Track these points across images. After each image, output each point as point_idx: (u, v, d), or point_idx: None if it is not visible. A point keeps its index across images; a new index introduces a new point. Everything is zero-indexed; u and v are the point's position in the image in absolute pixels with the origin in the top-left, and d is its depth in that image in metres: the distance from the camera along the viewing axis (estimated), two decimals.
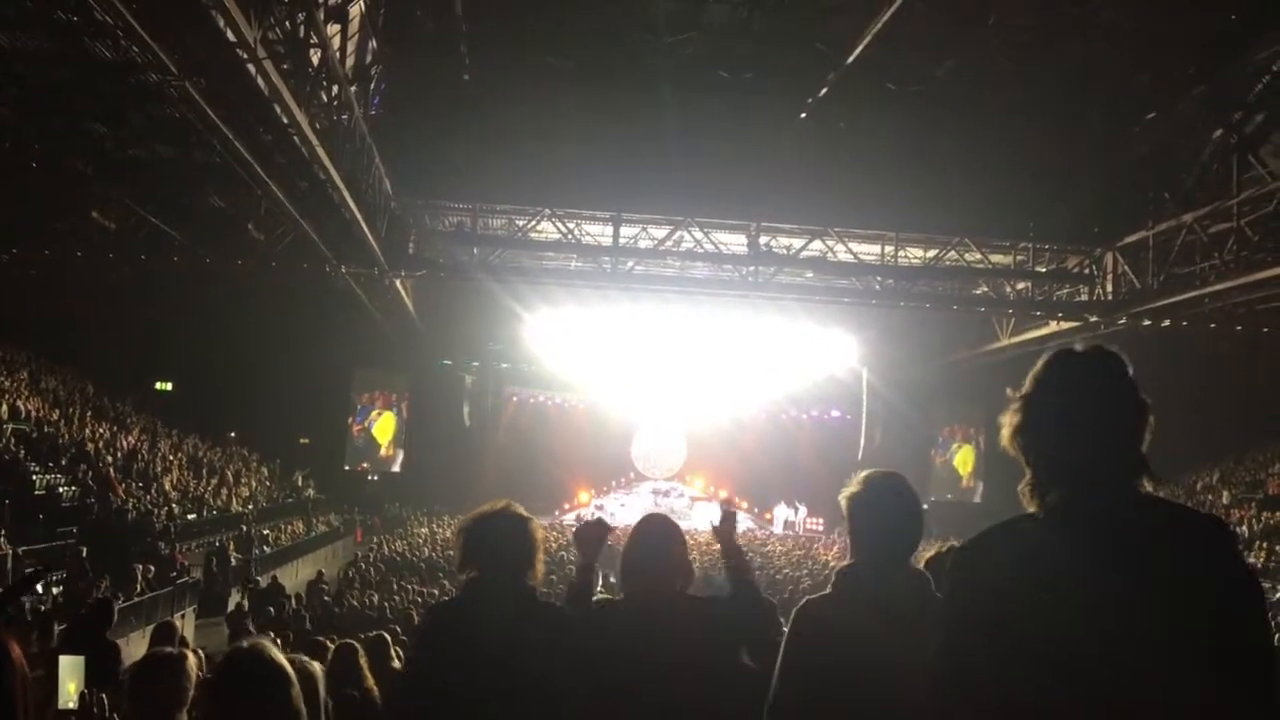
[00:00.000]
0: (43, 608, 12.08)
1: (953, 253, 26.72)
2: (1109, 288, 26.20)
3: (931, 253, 27.08)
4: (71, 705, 2.40)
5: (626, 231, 26.52)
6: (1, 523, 16.10)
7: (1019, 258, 27.37)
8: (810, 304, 29.58)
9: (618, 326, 33.29)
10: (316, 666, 2.79)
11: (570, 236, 26.23)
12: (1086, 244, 26.53)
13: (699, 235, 26.08)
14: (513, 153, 23.78)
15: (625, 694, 2.90)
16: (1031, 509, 1.95)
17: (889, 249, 26.87)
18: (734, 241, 26.75)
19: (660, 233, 26.38)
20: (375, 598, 16.62)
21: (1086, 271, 26.86)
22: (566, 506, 38.09)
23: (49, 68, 16.65)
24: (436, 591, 16.94)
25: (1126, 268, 25.39)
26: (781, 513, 37.97)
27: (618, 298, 29.94)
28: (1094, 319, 26.52)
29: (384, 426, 38.64)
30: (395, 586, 18.56)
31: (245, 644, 2.44)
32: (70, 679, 2.42)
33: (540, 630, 3.08)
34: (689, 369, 35.99)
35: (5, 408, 21.52)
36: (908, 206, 24.64)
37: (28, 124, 19.10)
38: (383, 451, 38.72)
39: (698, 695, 2.86)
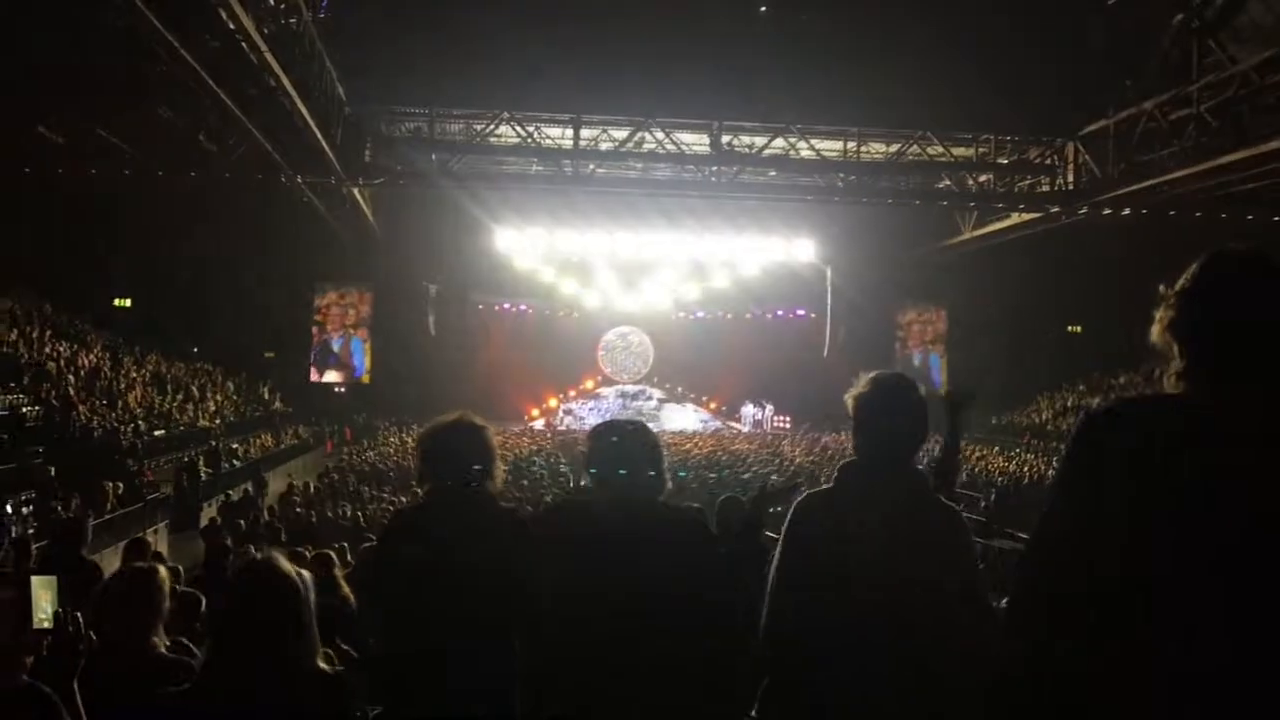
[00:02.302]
0: (13, 530, 12.06)
1: (915, 147, 26.66)
2: (1070, 178, 26.29)
3: (894, 147, 27.00)
4: (46, 625, 2.43)
5: (587, 134, 26.24)
6: None
7: (981, 150, 27.38)
8: (773, 203, 29.53)
9: (581, 231, 33.12)
10: (307, 576, 2.85)
11: (530, 140, 25.89)
12: (1048, 135, 26.51)
13: (660, 136, 25.83)
14: (469, 54, 23.23)
15: (591, 599, 2.88)
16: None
17: (851, 145, 26.76)
18: (696, 141, 26.54)
19: (621, 134, 26.11)
20: (349, 508, 16.73)
21: (1048, 162, 26.91)
22: (535, 413, 38.30)
23: None
24: (408, 500, 17.06)
25: (1087, 157, 25.45)
26: (749, 412, 38.35)
27: (580, 202, 29.75)
28: (1055, 209, 26.67)
29: (352, 338, 38.48)
30: (368, 496, 18.69)
31: (258, 556, 2.54)
32: (43, 598, 2.45)
33: (500, 535, 3.12)
34: (653, 272, 35.98)
35: None
36: (870, 101, 24.47)
37: None
38: (349, 361, 38.60)
39: (668, 601, 2.86)
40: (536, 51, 22.66)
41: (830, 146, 26.90)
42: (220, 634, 2.49)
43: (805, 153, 26.57)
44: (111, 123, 23.36)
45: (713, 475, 22.49)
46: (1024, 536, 3.17)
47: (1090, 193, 25.40)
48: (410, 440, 28.64)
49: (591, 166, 26.35)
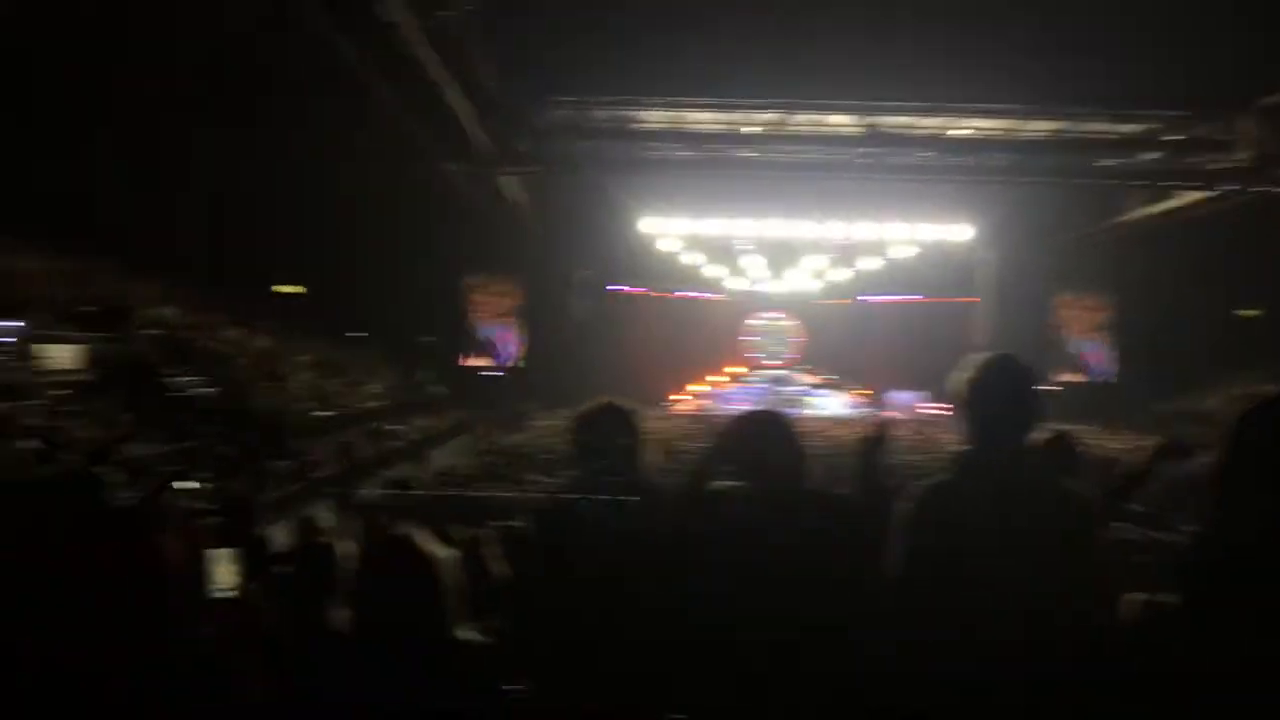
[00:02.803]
0: (189, 505, 12.73)
1: (1078, 124, 25.56)
2: (1245, 154, 24.77)
3: (1056, 125, 25.94)
4: (227, 594, 2.54)
5: (735, 117, 26.04)
6: (147, 423, 16.96)
7: (1149, 126, 26.04)
8: (931, 185, 28.81)
9: (729, 216, 32.99)
10: (453, 552, 2.91)
11: (678, 125, 25.89)
12: (1221, 108, 25.03)
13: (811, 118, 25.46)
14: (620, 42, 23.37)
15: (738, 578, 2.93)
16: None
17: (1009, 123, 25.85)
18: (847, 123, 26.06)
19: (771, 117, 25.83)
20: (500, 490, 17.07)
21: (1222, 138, 25.42)
22: (681, 396, 38.36)
23: None
24: (554, 482, 17.27)
25: (1265, 132, 23.93)
26: (901, 397, 37.56)
27: (728, 186, 29.61)
28: (1231, 187, 25.21)
29: (503, 325, 39.29)
30: (519, 479, 19.03)
31: (400, 533, 2.59)
32: (224, 570, 2.56)
33: (650, 514, 3.14)
34: (802, 255, 35.55)
35: (143, 314, 22.48)
36: (1029, 77, 23.57)
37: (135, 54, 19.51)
38: (499, 347, 39.42)
39: (812, 583, 2.85)
40: (684, 36, 22.66)
41: (987, 125, 26.03)
42: (363, 609, 2.55)
43: (961, 132, 25.80)
44: (276, 120, 24.39)
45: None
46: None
47: (1265, 169, 23.90)
48: (559, 425, 29.08)
49: (739, 151, 26.18)
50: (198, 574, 2.71)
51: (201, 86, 21.75)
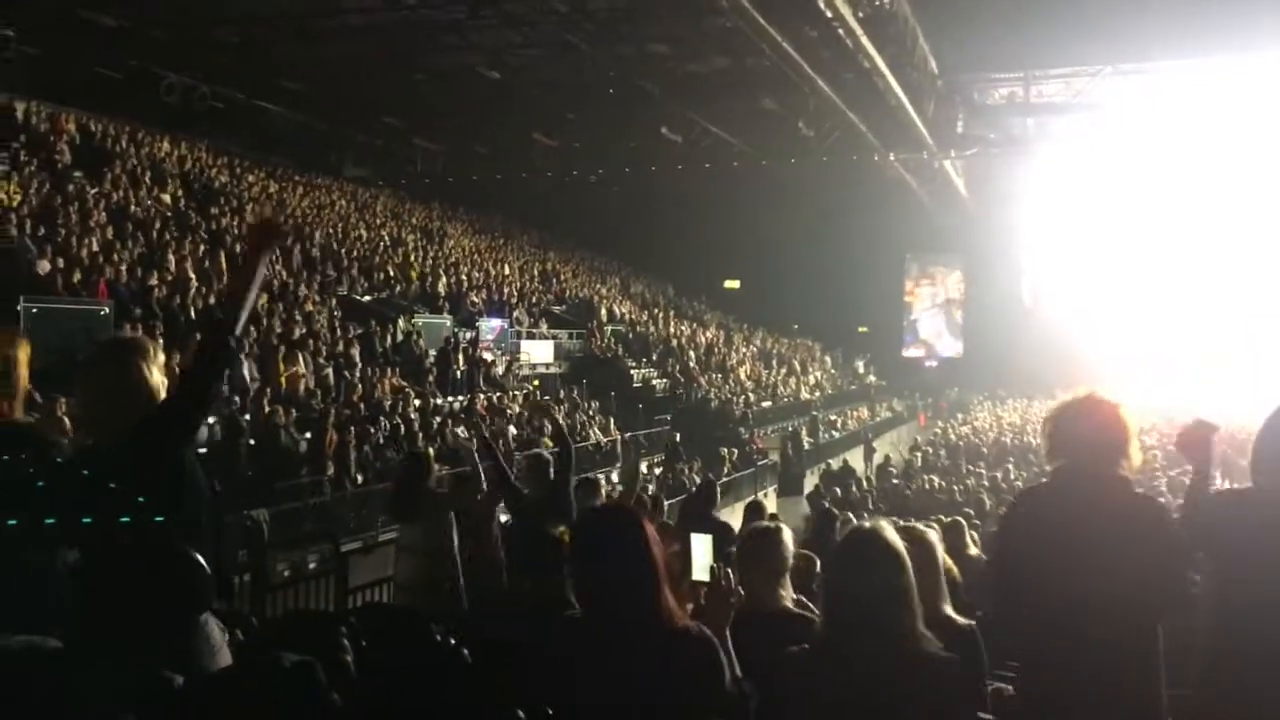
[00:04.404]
0: (649, 488, 13.69)
1: None
2: None
3: None
4: (704, 578, 2.73)
5: (1209, 77, 23.22)
6: (610, 410, 18.47)
7: None
8: None
9: (1194, 181, 29.75)
10: (933, 535, 2.97)
11: (1131, 93, 23.78)
12: None
13: None
14: (1067, 9, 21.72)
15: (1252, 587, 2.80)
16: None
17: None
18: None
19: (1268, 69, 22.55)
20: (942, 481, 16.73)
21: None
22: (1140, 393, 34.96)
23: None
24: (1001, 476, 16.63)
25: None
26: None
27: (1198, 154, 26.76)
28: None
29: (944, 313, 38.39)
30: (964, 470, 18.53)
31: (867, 524, 2.65)
32: (702, 554, 2.76)
33: (1136, 518, 2.94)
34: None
35: (604, 311, 24.46)
36: None
37: (601, 52, 21.17)
38: (937, 336, 38.56)
39: None
40: None
41: None
42: (832, 601, 2.61)
43: None
44: (720, 119, 25.47)
45: None
46: None
47: None
48: (1004, 415, 27.93)
49: (1217, 114, 23.49)
50: (683, 556, 2.94)
51: (651, 92, 23.19)
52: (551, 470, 5.85)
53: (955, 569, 6.47)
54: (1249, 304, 34.38)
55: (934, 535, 3.42)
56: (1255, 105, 23.49)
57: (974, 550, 7.11)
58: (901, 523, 3.86)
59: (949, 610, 3.31)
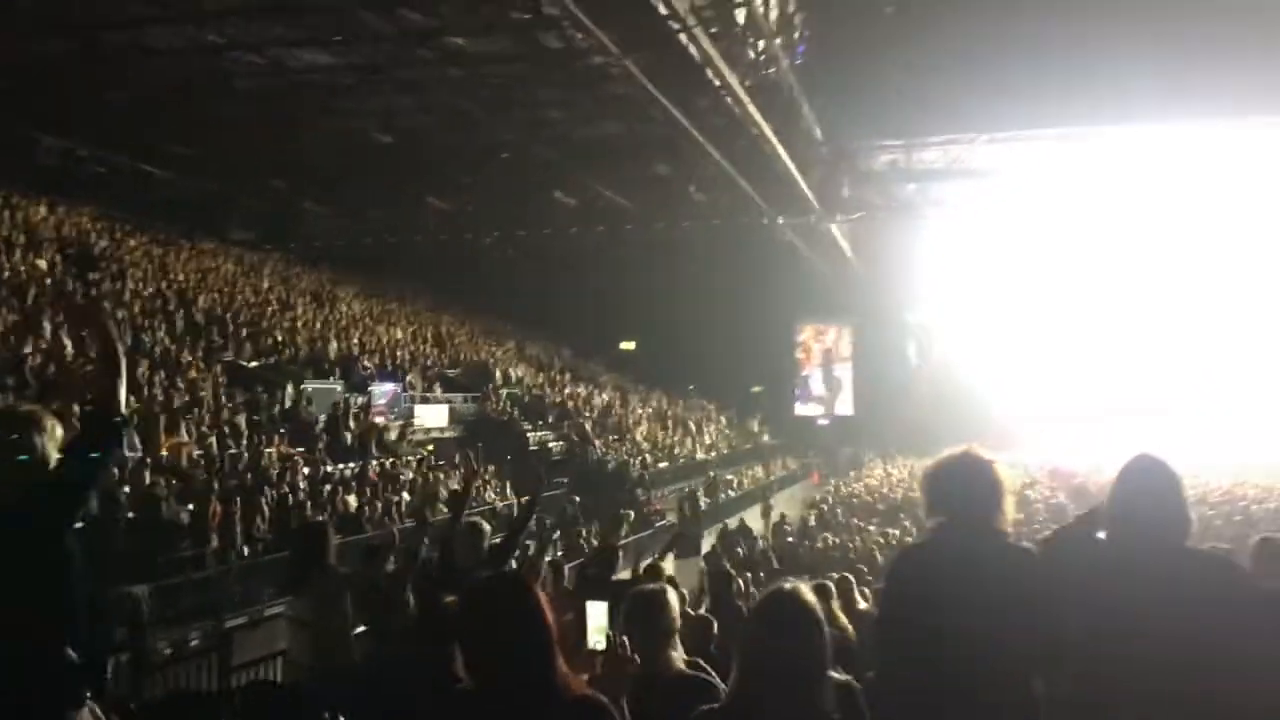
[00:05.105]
0: (548, 556, 13.55)
1: None
2: None
3: None
4: (599, 646, 2.70)
5: (1080, 145, 24.37)
6: (506, 474, 18.28)
7: None
8: None
9: (1074, 248, 31.17)
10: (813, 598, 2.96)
11: (1011, 159, 24.86)
12: None
13: (1172, 133, 23.44)
14: (944, 79, 22.64)
15: (1119, 641, 2.79)
16: None
17: None
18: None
19: (1122, 140, 23.91)
20: (836, 539, 16.95)
21: None
22: (1030, 447, 36.18)
23: (507, 65, 18.54)
24: (896, 532, 16.94)
25: None
26: None
27: (1067, 219, 28.04)
28: None
29: (833, 373, 39.10)
30: (856, 527, 18.81)
31: (786, 586, 2.66)
32: (597, 622, 2.73)
33: (1012, 571, 3.02)
34: (1168, 286, 32.44)
35: (499, 374, 24.30)
36: None
37: (494, 117, 21.32)
38: (830, 394, 39.21)
39: (1206, 660, 2.66)
40: (1018, 64, 21.22)
41: None
42: (747, 660, 2.60)
43: None
44: (613, 183, 25.81)
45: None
46: None
47: None
48: (895, 472, 28.48)
49: (1090, 182, 24.70)
50: (575, 625, 2.90)
51: (544, 157, 23.41)
52: (485, 541, 5.71)
53: (849, 626, 6.56)
54: (1137, 354, 35.97)
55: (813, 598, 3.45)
56: (1125, 169, 24.81)
57: (864, 605, 7.22)
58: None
59: (832, 671, 3.34)
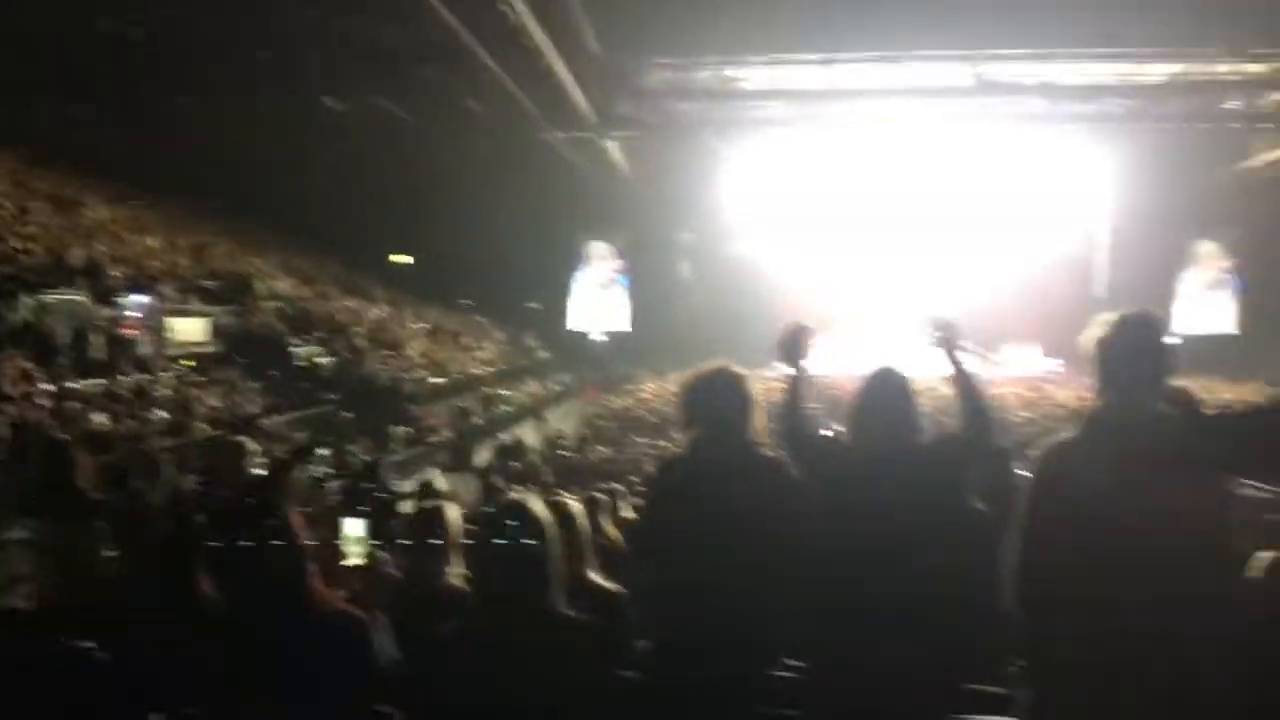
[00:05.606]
0: (314, 471, 13.24)
1: (1200, 65, 24.46)
2: None
3: (1177, 67, 24.87)
4: (357, 561, 2.70)
5: (839, 73, 25.54)
6: (271, 392, 17.66)
7: (1275, 65, 24.77)
8: (1044, 135, 27.95)
9: (834, 173, 32.55)
10: (577, 506, 3.03)
11: (780, 83, 25.57)
12: None
13: (918, 69, 24.87)
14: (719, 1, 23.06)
15: (849, 537, 3.01)
16: None
17: (1127, 68, 24.86)
18: (957, 73, 25.38)
19: (875, 71, 25.30)
20: (609, 451, 17.35)
21: None
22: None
23: None
24: (664, 444, 17.47)
25: None
26: (1013, 354, 36.60)
27: (834, 143, 29.20)
28: None
29: (609, 289, 39.46)
30: (629, 441, 19.28)
31: (515, 498, 2.71)
32: (353, 539, 2.72)
33: (764, 480, 3.20)
34: (911, 211, 34.79)
35: (262, 286, 23.27)
36: (1146, 19, 22.56)
37: (258, 17, 20.11)
38: (606, 310, 39.63)
39: (924, 540, 2.91)
40: None
41: (1104, 70, 25.08)
42: (480, 572, 2.66)
43: (1075, 79, 24.94)
44: (386, 90, 24.86)
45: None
46: None
47: None
48: (668, 388, 29.24)
49: (846, 106, 25.76)
50: (330, 540, 2.87)
51: (311, 58, 22.30)
52: (248, 461, 5.46)
53: (617, 536, 6.74)
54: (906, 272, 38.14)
55: (577, 507, 3.54)
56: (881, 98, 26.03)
57: (629, 513, 7.45)
58: (553, 497, 3.94)
59: (596, 577, 3.44)
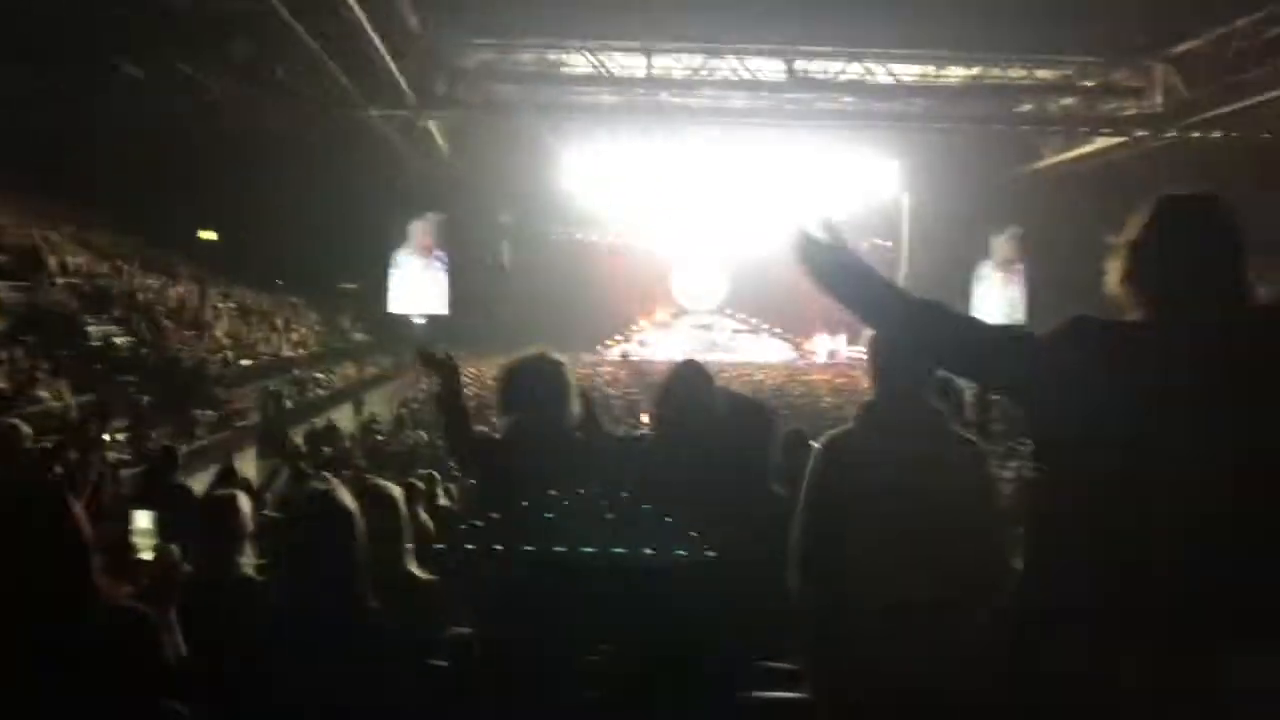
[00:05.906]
0: (108, 456, 12.60)
1: (996, 70, 25.93)
2: (1158, 100, 25.35)
3: (974, 71, 26.30)
4: (146, 555, 2.63)
5: (659, 62, 25.92)
6: (63, 373, 16.65)
7: (1064, 72, 26.51)
8: (850, 130, 29.05)
9: (654, 161, 32.96)
10: (396, 490, 3.04)
11: (602, 69, 25.70)
12: (1135, 56, 25.53)
13: (734, 63, 25.46)
14: None
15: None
16: None
17: (930, 69, 26.13)
18: (770, 68, 26.10)
19: (694, 62, 25.77)
20: (426, 436, 17.15)
21: (1135, 85, 25.98)
22: (608, 343, 38.50)
23: None
24: (484, 429, 17.39)
25: (1177, 79, 24.51)
26: (823, 342, 38.07)
27: (653, 131, 29.57)
28: (1142, 133, 25.83)
29: (427, 270, 38.85)
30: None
31: (318, 487, 2.68)
32: (143, 530, 2.65)
33: (573, 461, 3.28)
34: (727, 200, 35.59)
35: (54, 262, 21.90)
36: (949, 24, 23.73)
37: None
38: (425, 292, 39.03)
39: (719, 516, 3.04)
40: None
41: (909, 71, 26.28)
42: (288, 565, 2.64)
43: (883, 78, 26.04)
44: (193, 58, 23.69)
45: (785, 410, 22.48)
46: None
47: (1180, 115, 24.52)
48: (488, 370, 29.05)
49: (664, 95, 26.13)
50: (119, 532, 2.78)
51: (114, 20, 21.06)
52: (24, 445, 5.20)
53: (430, 522, 6.74)
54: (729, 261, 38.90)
55: (396, 491, 3.54)
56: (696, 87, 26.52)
57: (445, 502, 7.44)
58: (369, 481, 3.93)
59: (411, 566, 3.45)
